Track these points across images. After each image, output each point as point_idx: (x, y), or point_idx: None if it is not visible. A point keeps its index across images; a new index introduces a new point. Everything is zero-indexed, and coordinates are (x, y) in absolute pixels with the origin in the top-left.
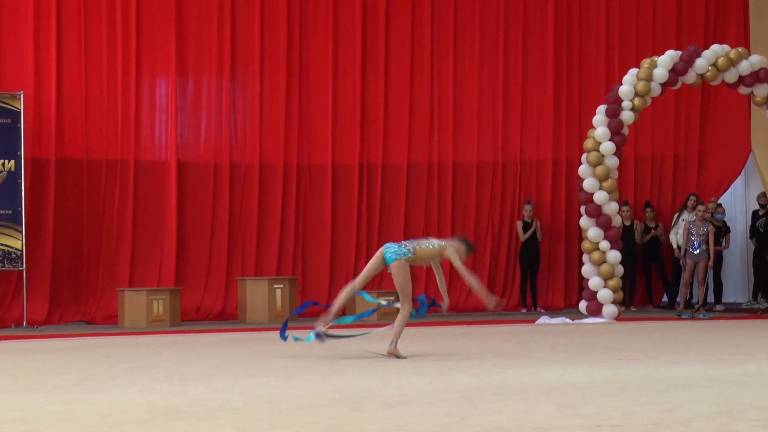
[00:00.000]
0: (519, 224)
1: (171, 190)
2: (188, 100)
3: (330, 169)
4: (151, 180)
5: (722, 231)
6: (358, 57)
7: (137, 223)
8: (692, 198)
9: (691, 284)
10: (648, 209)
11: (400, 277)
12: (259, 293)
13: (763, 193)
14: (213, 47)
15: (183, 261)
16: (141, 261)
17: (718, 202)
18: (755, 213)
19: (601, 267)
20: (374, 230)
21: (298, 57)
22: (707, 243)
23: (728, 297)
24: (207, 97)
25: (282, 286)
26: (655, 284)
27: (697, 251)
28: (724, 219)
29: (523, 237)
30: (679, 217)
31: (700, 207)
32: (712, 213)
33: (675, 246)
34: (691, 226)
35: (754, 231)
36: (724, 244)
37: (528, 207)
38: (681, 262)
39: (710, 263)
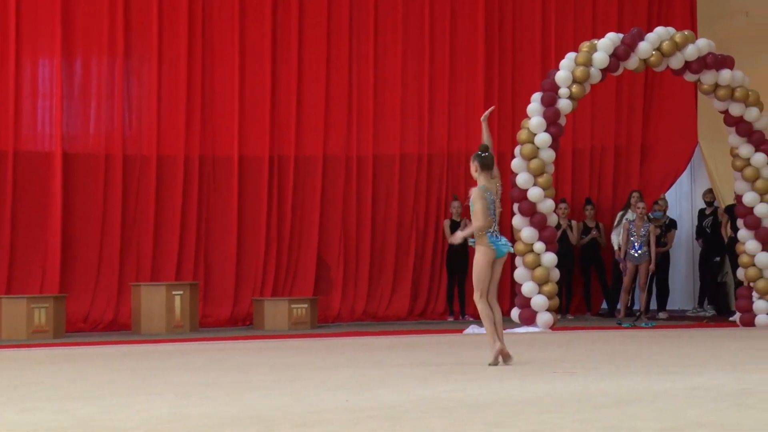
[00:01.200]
0: (446, 223)
1: (55, 185)
2: (75, 85)
3: (236, 161)
4: (33, 173)
5: (663, 229)
6: (268, 38)
7: (16, 222)
8: (634, 195)
9: (633, 290)
10: (587, 207)
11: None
12: (156, 300)
13: (710, 190)
14: (104, 25)
15: (69, 264)
16: (21, 265)
17: (664, 198)
18: (701, 212)
19: (535, 271)
20: (285, 229)
21: (200, 37)
22: (649, 244)
23: (672, 304)
24: (97, 81)
25: (182, 292)
26: (594, 290)
27: (638, 253)
28: (664, 214)
29: (450, 238)
30: (622, 216)
31: (640, 205)
32: (664, 210)
33: (616, 248)
34: (631, 226)
35: (700, 231)
36: (667, 244)
37: (455, 204)
38: (621, 265)
39: (652, 266)
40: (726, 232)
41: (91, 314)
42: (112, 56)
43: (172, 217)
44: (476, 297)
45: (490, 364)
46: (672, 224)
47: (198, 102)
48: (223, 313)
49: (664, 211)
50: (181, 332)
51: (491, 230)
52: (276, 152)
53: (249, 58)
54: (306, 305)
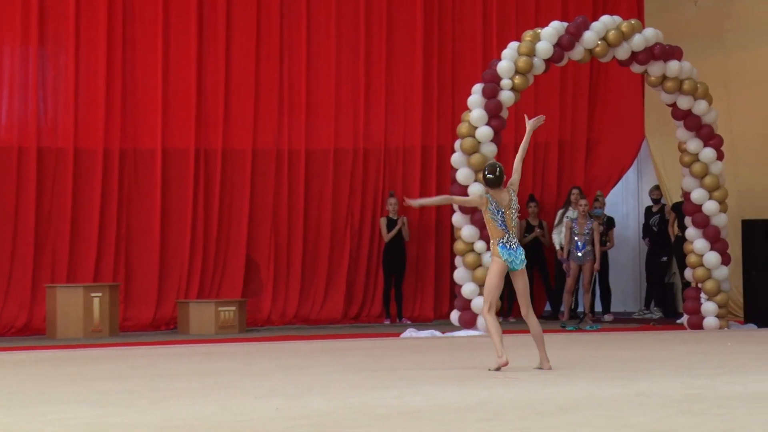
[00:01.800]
0: (382, 221)
1: None
2: None
3: (160, 155)
4: None
5: (605, 228)
6: (193, 25)
7: None
8: (575, 191)
9: (576, 291)
10: (531, 205)
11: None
12: (73, 303)
13: (657, 187)
14: (16, 9)
15: None
16: None
17: (601, 194)
18: (648, 209)
19: (476, 271)
20: (212, 227)
21: (121, 23)
22: (593, 243)
23: (618, 306)
24: (9, 69)
25: (101, 294)
26: (536, 291)
27: (581, 253)
28: (604, 213)
29: (386, 236)
30: (563, 214)
31: (582, 202)
32: (603, 207)
33: (558, 247)
34: (573, 224)
35: (647, 230)
36: (609, 243)
37: (392, 201)
38: (564, 266)
39: (596, 266)
40: (673, 230)
41: (3, 318)
42: (25, 43)
43: (91, 214)
44: (484, 310)
45: (490, 370)
46: (611, 222)
47: (118, 91)
48: (145, 317)
49: (603, 209)
50: (100, 337)
51: (503, 240)
52: (202, 145)
53: (173, 46)
54: (234, 308)
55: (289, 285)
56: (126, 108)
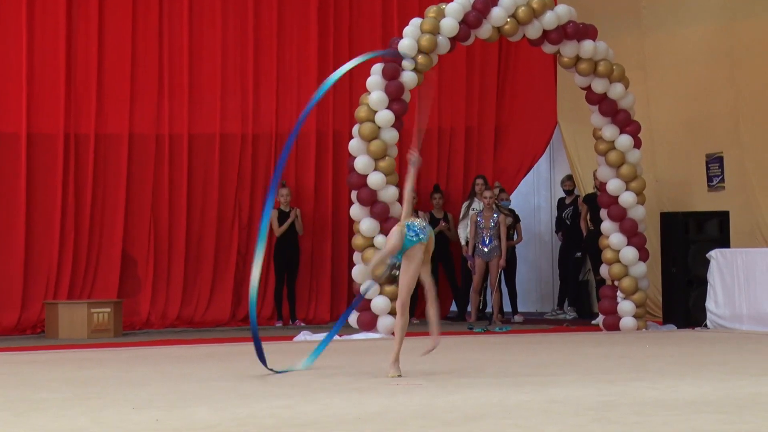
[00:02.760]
0: (273, 213)
1: None
2: None
3: (24, 139)
4: None
5: (512, 220)
6: (62, 1)
7: None
8: (479, 181)
9: (484, 290)
10: (435, 196)
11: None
12: None
13: (569, 177)
14: None
15: None
16: None
17: (500, 186)
18: (561, 201)
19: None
20: (84, 219)
21: None
22: (499, 237)
23: (530, 305)
24: None
25: None
26: (442, 290)
27: (488, 248)
28: (510, 206)
29: (278, 230)
30: (469, 206)
31: (487, 193)
32: (497, 200)
33: (463, 243)
34: (478, 217)
35: (560, 223)
36: (516, 237)
37: (284, 191)
38: (469, 263)
39: (502, 262)
40: (585, 224)
41: None
42: None
43: None
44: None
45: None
46: (515, 217)
47: None
48: (9, 320)
49: (509, 202)
50: None
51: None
52: (72, 130)
53: (38, 21)
54: (108, 309)
55: (170, 284)
56: None
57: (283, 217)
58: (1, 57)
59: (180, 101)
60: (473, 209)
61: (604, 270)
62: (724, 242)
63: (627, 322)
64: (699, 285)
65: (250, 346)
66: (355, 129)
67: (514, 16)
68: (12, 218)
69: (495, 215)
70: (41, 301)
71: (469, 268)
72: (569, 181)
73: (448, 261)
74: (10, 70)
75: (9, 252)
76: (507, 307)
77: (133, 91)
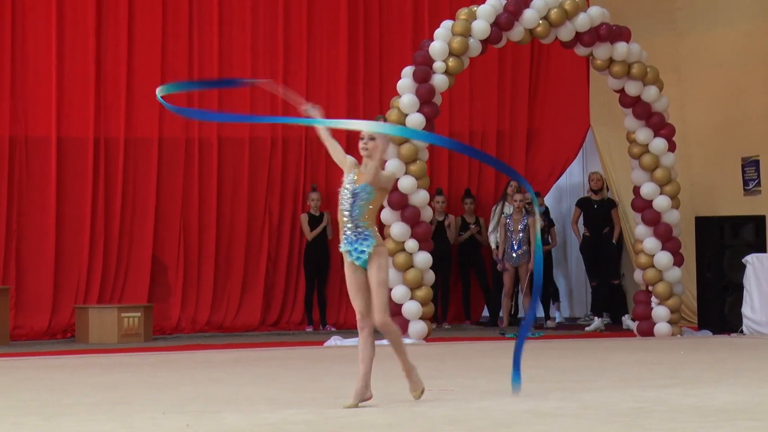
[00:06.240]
0: (304, 218)
1: None
2: None
3: (54, 143)
4: None
5: (546, 224)
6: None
7: None
8: (512, 184)
9: (516, 294)
10: (467, 200)
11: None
12: None
13: (599, 176)
14: None
15: None
16: None
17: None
18: (586, 200)
19: (407, 273)
20: (114, 224)
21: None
22: (529, 242)
23: (562, 310)
24: None
25: None
26: (473, 295)
27: (517, 253)
28: (544, 211)
29: (309, 235)
30: (500, 210)
31: (517, 196)
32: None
33: (494, 246)
34: (508, 221)
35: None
36: (551, 241)
37: (314, 195)
38: (499, 266)
39: (530, 265)
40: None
41: None
42: None
43: None
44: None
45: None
46: (550, 221)
47: (7, 76)
48: (39, 324)
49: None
50: None
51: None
52: (102, 133)
53: (68, 26)
54: (139, 314)
55: (200, 288)
56: (15, 92)
57: (313, 221)
58: (31, 62)
59: (210, 105)
60: (504, 213)
61: (638, 275)
62: (761, 247)
63: (661, 327)
64: (735, 290)
65: (279, 351)
66: None
67: (546, 17)
68: (43, 222)
69: (524, 219)
70: (72, 305)
71: (499, 271)
72: (599, 180)
73: (480, 266)
74: (41, 74)
75: (40, 256)
76: (540, 312)
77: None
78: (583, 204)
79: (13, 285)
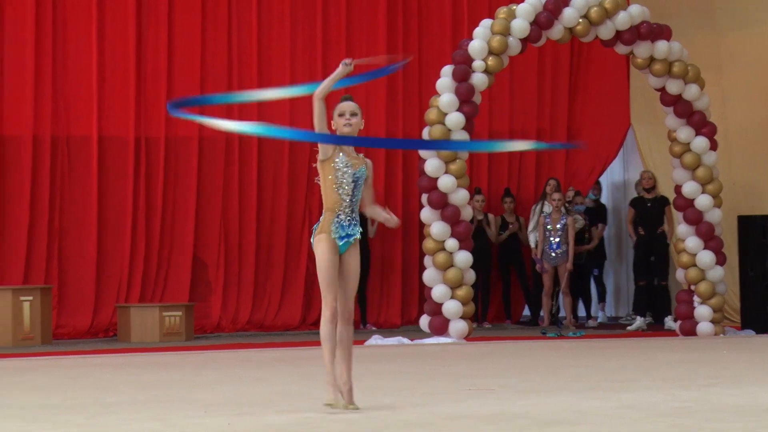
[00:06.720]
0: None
1: None
2: None
3: (95, 143)
4: None
5: (587, 223)
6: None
7: None
8: (551, 183)
9: (557, 294)
10: (507, 199)
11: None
12: (0, 308)
13: (650, 175)
14: None
15: None
16: None
17: (574, 189)
18: (639, 200)
19: (447, 272)
20: (155, 223)
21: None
22: (568, 242)
23: (607, 309)
24: None
25: (31, 298)
26: (514, 294)
27: (555, 253)
28: (584, 210)
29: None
30: (539, 209)
31: (555, 195)
32: (567, 203)
33: (533, 246)
34: (547, 219)
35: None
36: (594, 239)
37: None
38: (537, 266)
39: (568, 266)
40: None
41: None
42: None
43: (19, 209)
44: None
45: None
46: (603, 210)
47: (48, 75)
48: (82, 323)
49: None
50: (30, 345)
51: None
52: (143, 133)
53: (108, 26)
54: (180, 313)
55: (241, 287)
56: (56, 92)
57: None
58: (72, 61)
59: (249, 104)
60: (544, 212)
61: (680, 274)
62: None
63: (704, 327)
64: None
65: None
66: (425, 131)
67: (586, 16)
68: (84, 221)
69: (563, 218)
70: (113, 304)
71: (538, 271)
72: (650, 178)
73: (520, 265)
74: (82, 74)
75: (82, 255)
76: (581, 311)
77: (202, 93)
78: (636, 203)
79: (55, 284)
